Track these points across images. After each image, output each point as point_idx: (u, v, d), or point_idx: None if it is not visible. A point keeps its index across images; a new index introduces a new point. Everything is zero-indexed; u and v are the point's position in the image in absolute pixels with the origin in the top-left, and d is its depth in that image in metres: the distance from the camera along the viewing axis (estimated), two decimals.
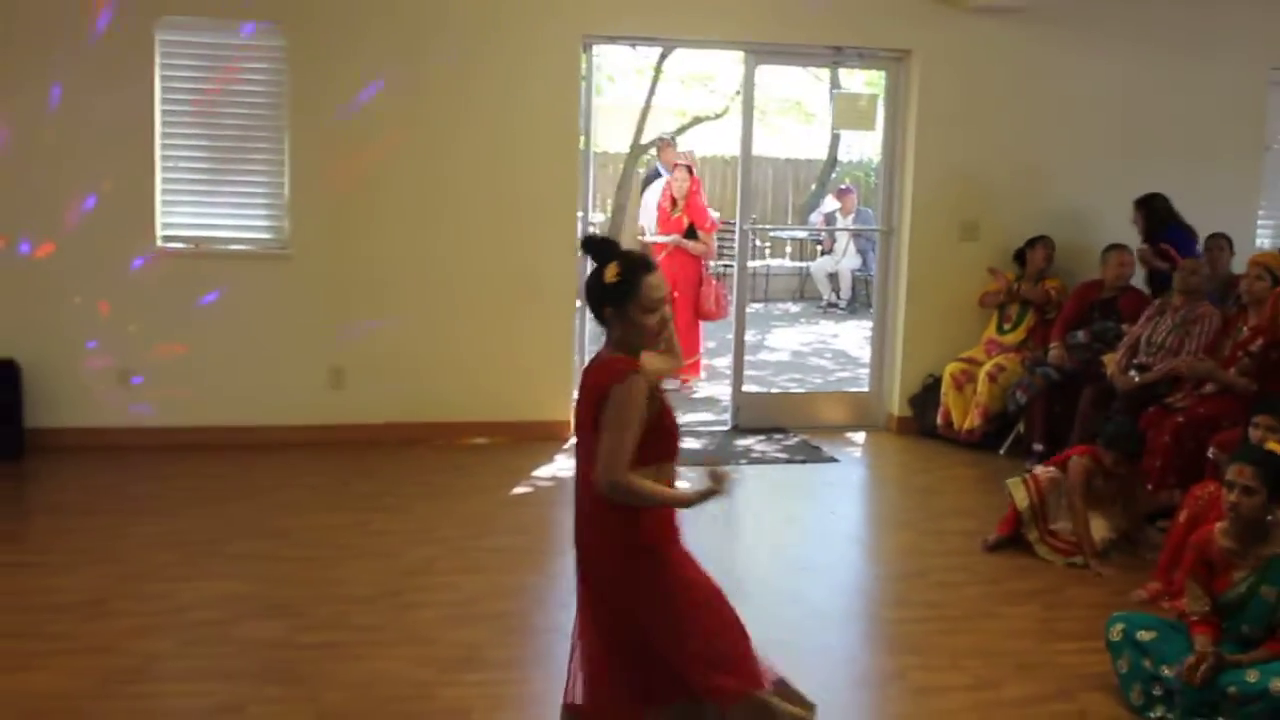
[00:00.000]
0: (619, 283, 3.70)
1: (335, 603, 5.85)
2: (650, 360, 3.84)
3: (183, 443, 8.25)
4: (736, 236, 9.72)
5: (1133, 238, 8.76)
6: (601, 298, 3.76)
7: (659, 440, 3.72)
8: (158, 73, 8.27)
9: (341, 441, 8.44)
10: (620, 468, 3.54)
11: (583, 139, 8.93)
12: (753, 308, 15.98)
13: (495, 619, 5.74)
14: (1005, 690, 5.15)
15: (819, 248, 17.50)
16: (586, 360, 9.25)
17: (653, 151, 16.07)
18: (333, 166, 8.43)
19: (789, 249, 18.21)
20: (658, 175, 13.05)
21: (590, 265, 3.82)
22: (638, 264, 3.77)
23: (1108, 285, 8.47)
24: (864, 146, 18.16)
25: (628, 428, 3.58)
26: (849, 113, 10.14)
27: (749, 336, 12.76)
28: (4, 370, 8.03)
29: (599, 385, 3.68)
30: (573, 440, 8.51)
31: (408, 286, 8.59)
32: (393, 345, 8.60)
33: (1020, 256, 9.13)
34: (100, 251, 8.20)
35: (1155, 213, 8.77)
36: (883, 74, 9.57)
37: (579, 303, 8.93)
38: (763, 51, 9.31)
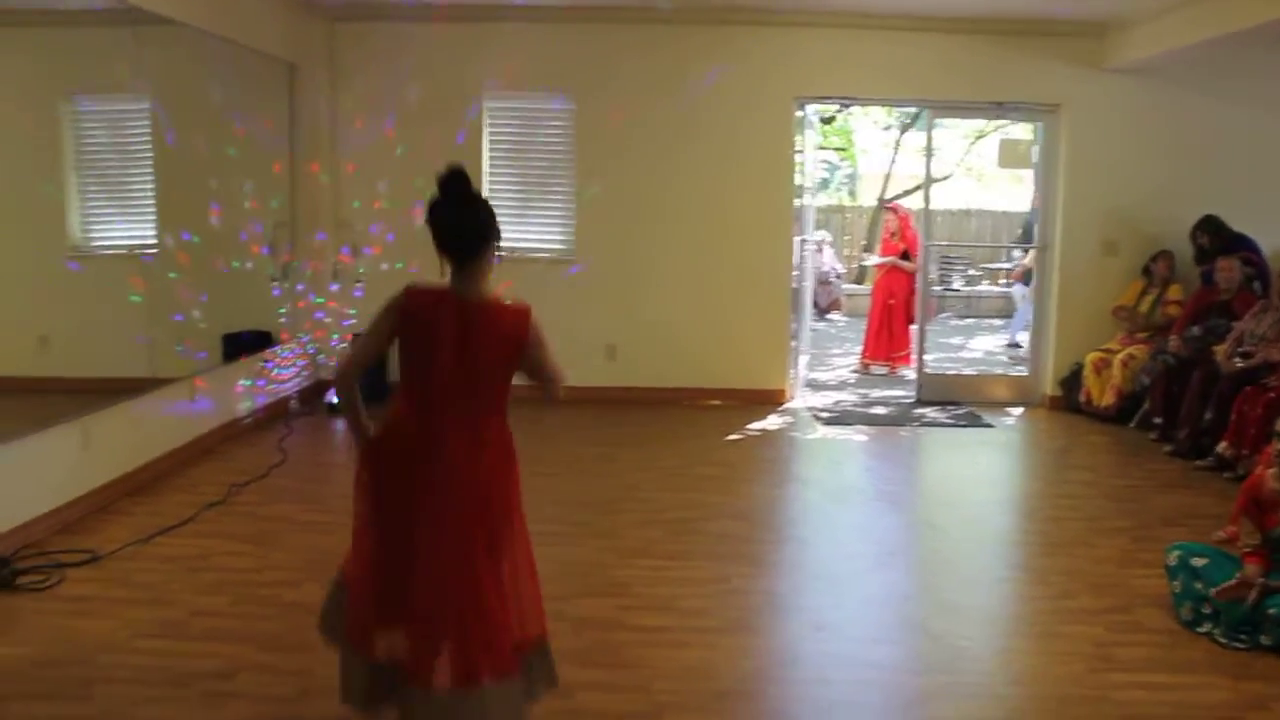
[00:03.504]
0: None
1: (564, 506, 5.69)
2: None
3: None
4: (920, 255, 9.09)
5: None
6: (495, 234, 2.97)
7: None
8: (485, 130, 8.33)
9: (612, 400, 8.29)
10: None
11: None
12: (966, 321, 15.18)
13: (673, 524, 5.45)
14: (1077, 601, 4.56)
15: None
16: (797, 345, 8.98)
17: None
18: (607, 196, 8.30)
19: (1003, 280, 17.07)
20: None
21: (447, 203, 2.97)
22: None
23: (1223, 289, 7.46)
24: None
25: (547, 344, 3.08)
26: (1011, 154, 9.28)
27: (955, 340, 12.05)
28: None
29: (515, 335, 2.98)
30: (786, 403, 8.26)
31: (664, 285, 8.39)
32: (652, 329, 8.41)
33: (1148, 268, 8.18)
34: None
35: (1220, 229, 7.80)
36: (1039, 124, 8.70)
37: (790, 299, 8.56)
38: (938, 106, 8.61)
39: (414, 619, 2.93)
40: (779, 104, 8.24)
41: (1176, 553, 4.47)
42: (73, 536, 4.96)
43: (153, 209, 6.56)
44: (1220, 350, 7.10)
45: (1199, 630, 4.22)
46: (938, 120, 9.06)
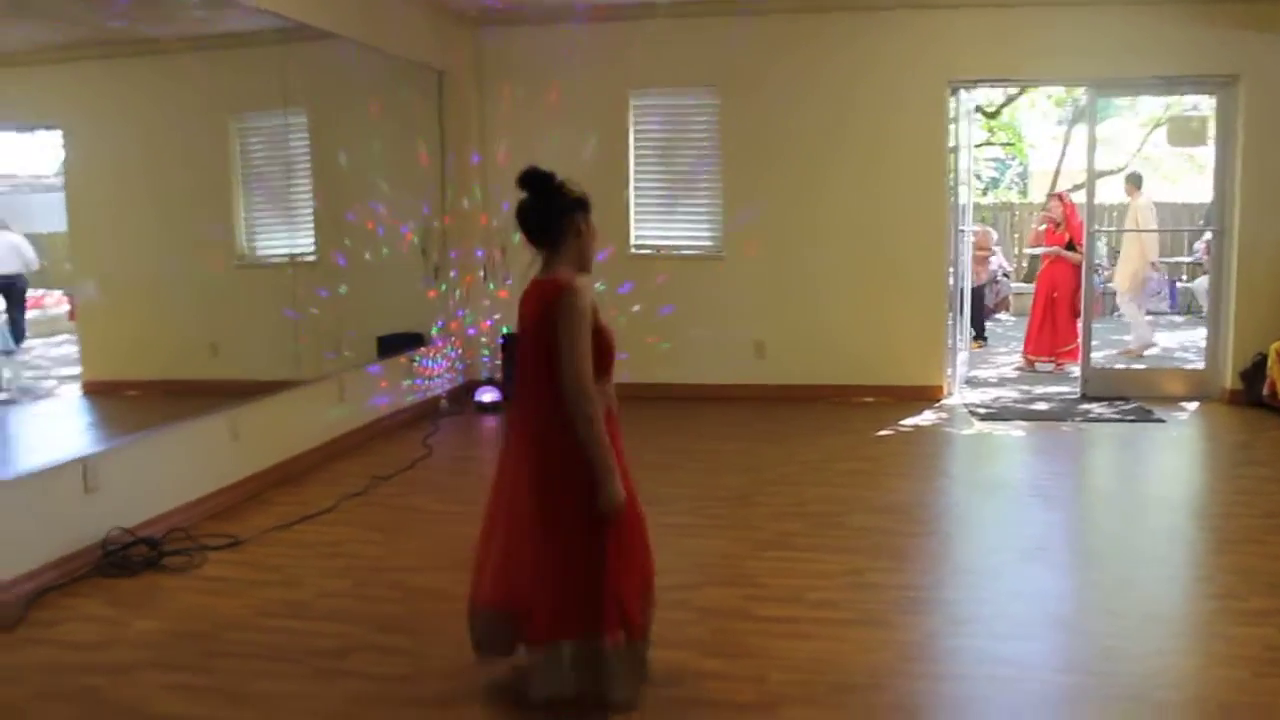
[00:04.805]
0: (583, 197, 3.22)
1: (700, 500, 5.55)
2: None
3: (646, 395, 7.85)
4: (1085, 245, 8.50)
5: None
6: (566, 209, 3.17)
7: (598, 356, 3.05)
8: (631, 127, 8.26)
9: (760, 397, 8.13)
10: (585, 375, 2.97)
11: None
12: (1146, 317, 14.24)
13: (811, 517, 5.22)
14: (1248, 601, 4.12)
15: (1200, 268, 15.27)
16: (955, 343, 8.57)
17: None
18: (753, 192, 8.11)
19: (1184, 274, 16.01)
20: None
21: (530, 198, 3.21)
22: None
23: None
24: None
25: (580, 336, 2.99)
26: (1182, 132, 8.66)
27: (1128, 336, 11.33)
28: None
29: (540, 309, 3.06)
30: (942, 399, 7.90)
31: (813, 280, 8.14)
32: (800, 325, 8.18)
33: None
34: None
35: None
36: (1214, 98, 8.04)
37: (947, 295, 8.19)
38: (1103, 84, 8.05)
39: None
40: (931, 89, 7.89)
41: None
42: (221, 522, 5.13)
43: (310, 218, 6.75)
44: None
45: None
46: (1109, 108, 8.50)
